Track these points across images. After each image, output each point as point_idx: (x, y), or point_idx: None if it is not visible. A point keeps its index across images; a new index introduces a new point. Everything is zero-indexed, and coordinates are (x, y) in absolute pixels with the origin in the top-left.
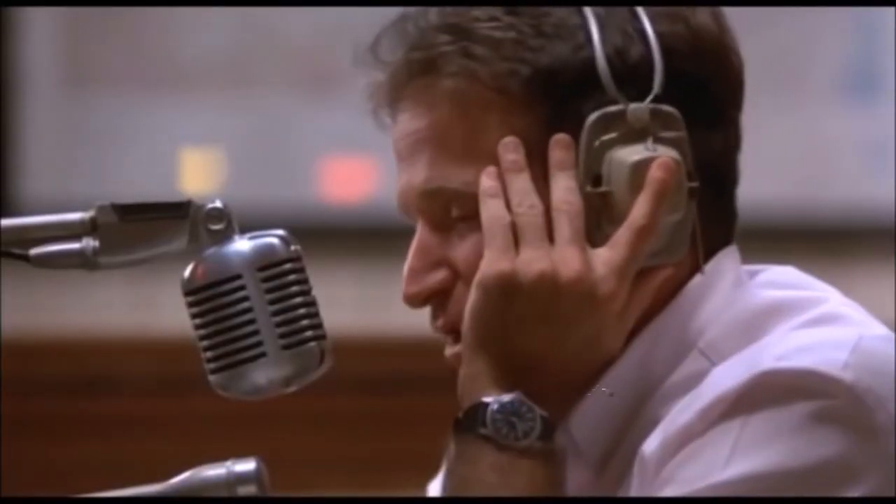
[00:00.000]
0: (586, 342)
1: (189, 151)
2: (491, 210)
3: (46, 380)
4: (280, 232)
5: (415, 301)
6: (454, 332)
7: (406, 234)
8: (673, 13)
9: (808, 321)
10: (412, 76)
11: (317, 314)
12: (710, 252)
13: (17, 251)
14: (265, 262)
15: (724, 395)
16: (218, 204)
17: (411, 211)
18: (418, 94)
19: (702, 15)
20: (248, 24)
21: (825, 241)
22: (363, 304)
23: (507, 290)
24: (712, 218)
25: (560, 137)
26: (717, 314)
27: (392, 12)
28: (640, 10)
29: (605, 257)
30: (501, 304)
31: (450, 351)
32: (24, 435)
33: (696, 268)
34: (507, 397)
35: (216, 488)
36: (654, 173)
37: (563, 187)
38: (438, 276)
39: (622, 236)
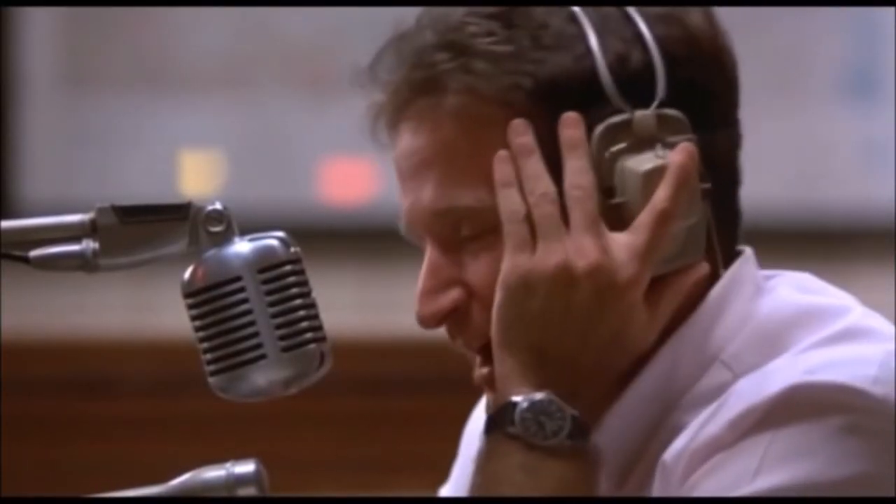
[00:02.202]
0: (613, 333)
1: (189, 153)
2: (507, 203)
3: (46, 381)
4: (280, 234)
5: (430, 322)
6: (477, 351)
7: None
8: (667, 15)
9: (834, 335)
10: (414, 95)
11: (317, 316)
12: (725, 254)
13: (16, 253)
14: (265, 264)
15: (753, 407)
16: (218, 206)
17: (419, 231)
18: (421, 113)
19: (695, 15)
20: (248, 25)
21: (825, 242)
22: (363, 306)
23: (527, 288)
24: (721, 218)
25: (568, 115)
26: (738, 324)
27: (391, 13)
28: (635, 13)
29: (624, 242)
30: (524, 303)
31: (478, 374)
32: (24, 436)
33: (715, 273)
34: (537, 396)
35: (216, 490)
36: (675, 157)
37: (574, 169)
38: (452, 295)
39: (643, 220)
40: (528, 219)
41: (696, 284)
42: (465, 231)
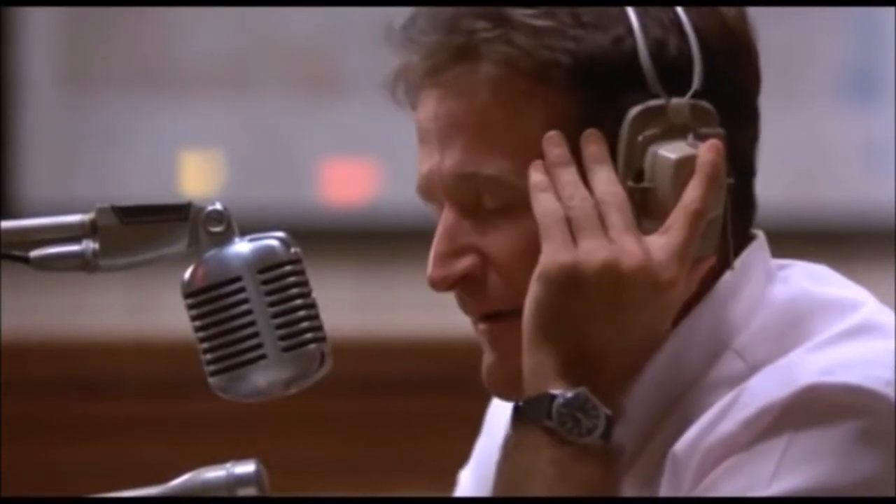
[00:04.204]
0: (648, 330)
1: (189, 153)
2: (544, 204)
3: (46, 382)
4: (280, 234)
5: (441, 285)
6: (483, 318)
7: (406, 236)
8: (706, 9)
9: (848, 330)
10: (449, 61)
11: (317, 316)
12: (738, 243)
13: (17, 253)
14: (265, 265)
15: (769, 406)
16: (218, 206)
17: (437, 195)
18: (455, 79)
19: (731, 11)
20: (248, 25)
21: (825, 242)
22: (363, 307)
23: (571, 282)
24: (738, 210)
25: (590, 132)
26: (750, 312)
27: (391, 13)
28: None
29: (662, 243)
30: (566, 296)
31: (482, 326)
32: (24, 437)
33: (726, 260)
34: (572, 392)
35: (216, 490)
36: (706, 156)
37: (604, 179)
38: (466, 261)
39: (677, 220)
40: (566, 219)
41: (705, 275)
42: (487, 199)
